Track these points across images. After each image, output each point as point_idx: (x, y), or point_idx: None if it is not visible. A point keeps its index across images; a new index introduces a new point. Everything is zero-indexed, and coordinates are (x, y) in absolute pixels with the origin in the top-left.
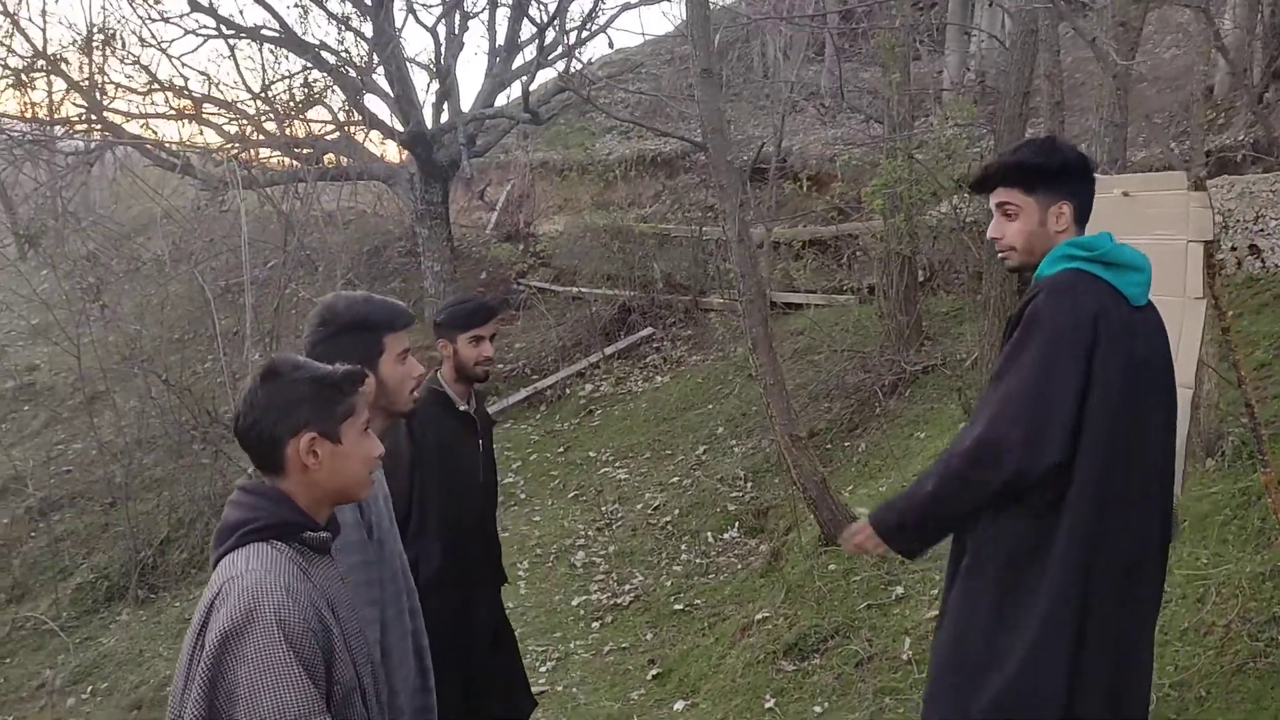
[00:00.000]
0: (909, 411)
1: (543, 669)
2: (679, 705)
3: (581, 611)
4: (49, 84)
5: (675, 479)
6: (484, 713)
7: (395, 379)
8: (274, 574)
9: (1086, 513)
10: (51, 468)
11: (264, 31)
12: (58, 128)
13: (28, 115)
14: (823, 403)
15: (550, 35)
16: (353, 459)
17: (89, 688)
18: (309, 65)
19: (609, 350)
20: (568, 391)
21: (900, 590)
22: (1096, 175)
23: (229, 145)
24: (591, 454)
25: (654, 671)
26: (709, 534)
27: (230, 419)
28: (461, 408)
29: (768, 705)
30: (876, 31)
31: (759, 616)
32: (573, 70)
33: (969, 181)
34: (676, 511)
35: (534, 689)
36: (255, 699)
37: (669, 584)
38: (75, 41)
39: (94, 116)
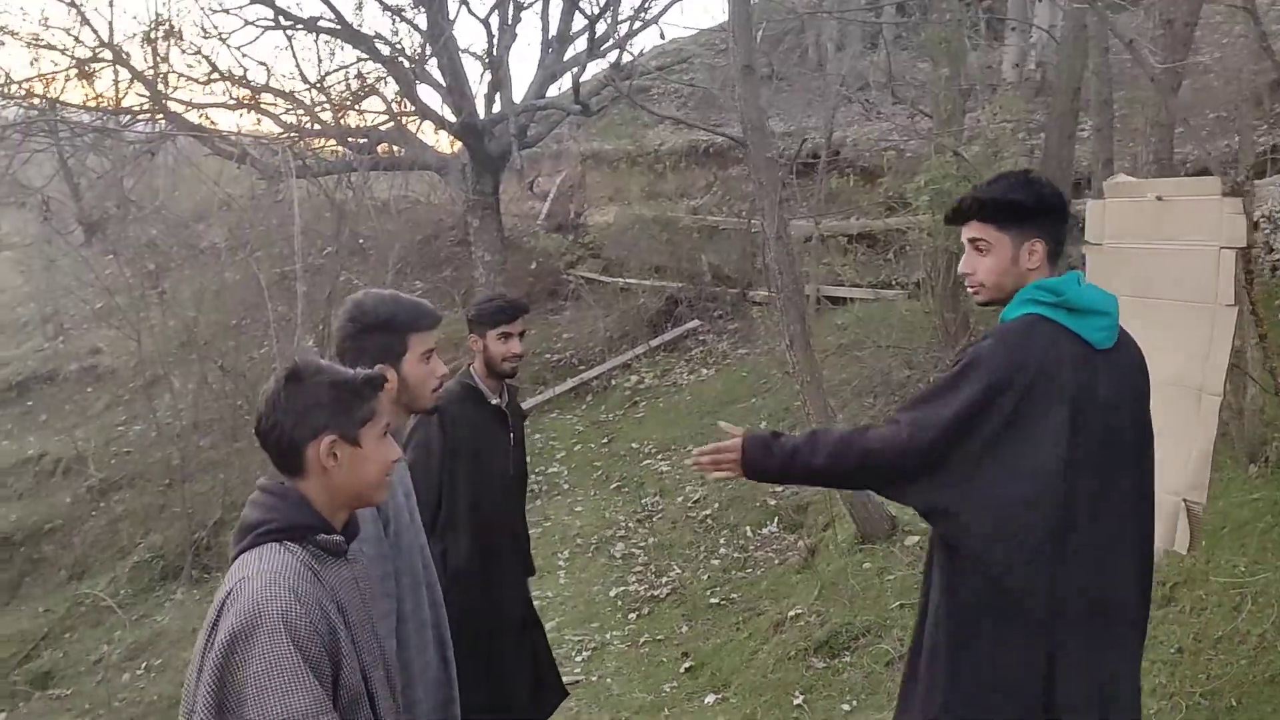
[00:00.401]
0: None
1: (578, 658)
2: (710, 699)
3: (619, 602)
4: (115, 74)
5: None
6: (512, 705)
7: (418, 377)
8: (283, 576)
9: (1031, 568)
10: (112, 449)
11: (320, 23)
12: (122, 117)
13: (93, 105)
14: (866, 399)
15: (602, 27)
16: (371, 463)
17: (144, 664)
18: (364, 56)
19: (655, 342)
20: (613, 382)
21: None
22: (1130, 179)
23: (286, 135)
24: (634, 445)
25: (687, 664)
26: (748, 528)
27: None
28: (493, 401)
29: (796, 701)
30: (926, 24)
31: (792, 613)
32: (623, 62)
33: (945, 214)
34: (716, 505)
35: (569, 678)
36: (263, 701)
37: (706, 577)
38: (138, 35)
39: (156, 106)
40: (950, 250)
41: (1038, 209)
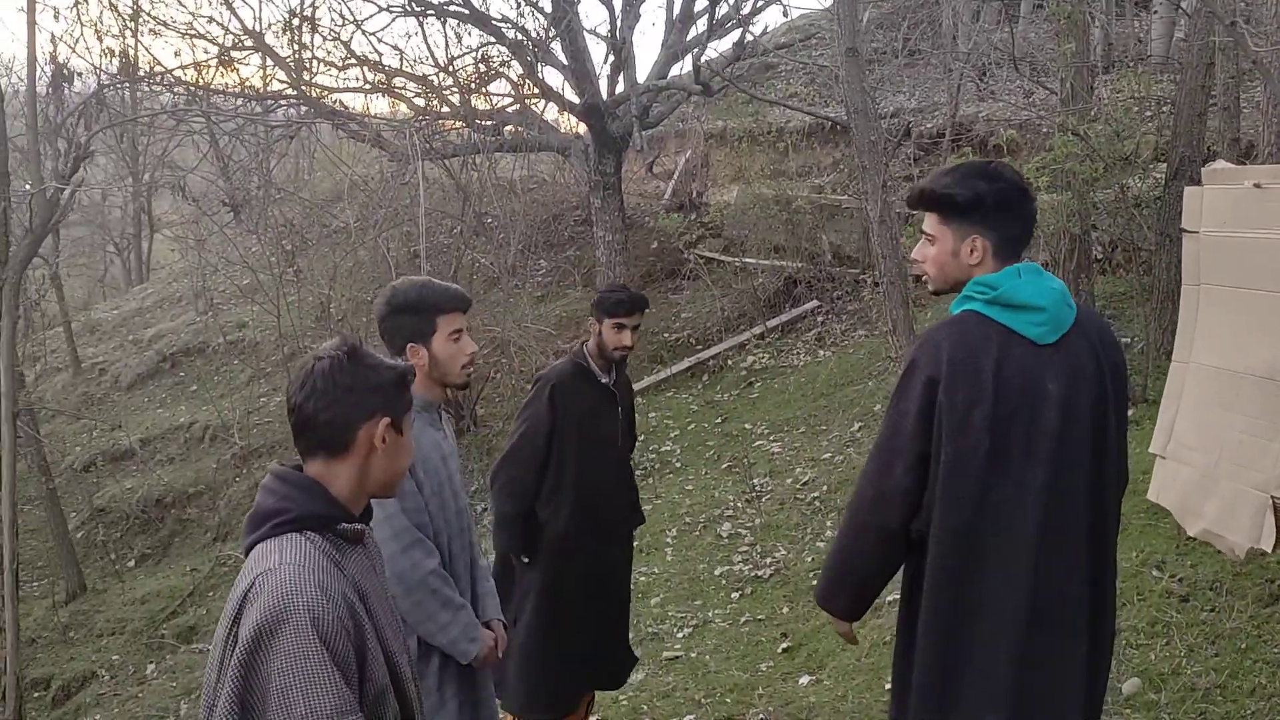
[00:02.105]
0: None
1: (679, 634)
2: (804, 680)
3: (723, 581)
4: (263, 60)
5: (827, 455)
6: (604, 663)
7: (446, 355)
8: (307, 569)
9: (950, 565)
10: (254, 418)
11: (449, 7)
12: (265, 102)
13: (240, 90)
14: None
15: (724, 7)
16: (404, 451)
17: None
18: (489, 40)
19: (772, 322)
20: (729, 363)
21: None
22: (1229, 165)
23: (415, 118)
24: (747, 426)
25: (785, 645)
26: None
27: (296, 396)
28: (602, 380)
29: (888, 686)
30: None
31: (890, 598)
32: (745, 41)
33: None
34: (825, 488)
35: (669, 654)
36: (288, 699)
37: (810, 559)
38: (279, 22)
39: (295, 91)
40: (1072, 232)
41: (975, 206)
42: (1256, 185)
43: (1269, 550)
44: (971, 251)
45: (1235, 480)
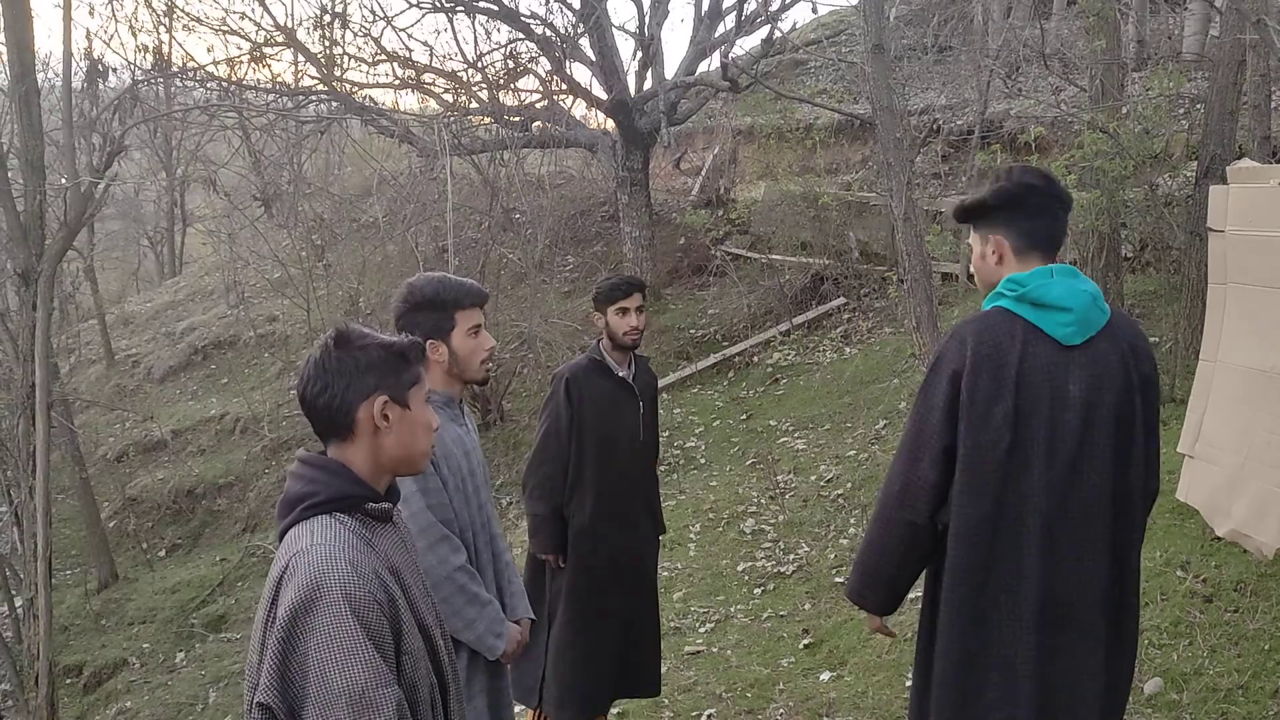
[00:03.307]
0: None
1: (702, 629)
2: (825, 676)
3: (746, 577)
4: (295, 57)
5: (852, 452)
6: (638, 665)
7: (465, 350)
8: (338, 548)
9: (968, 560)
10: (283, 411)
11: (479, 4)
12: (297, 97)
13: (271, 87)
14: None
15: (752, 4)
16: (418, 426)
17: None
18: (518, 36)
19: (798, 320)
20: (755, 359)
21: None
22: (1254, 164)
23: (445, 113)
24: (772, 423)
25: (806, 641)
26: None
27: (298, 387)
28: (620, 373)
29: (908, 683)
30: None
31: (911, 596)
32: (774, 37)
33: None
34: (849, 485)
35: (691, 649)
36: (325, 673)
37: (832, 556)
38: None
39: (326, 87)
40: (1101, 231)
41: (984, 207)
42: (1279, 184)
43: None
44: (993, 252)
45: (1264, 480)
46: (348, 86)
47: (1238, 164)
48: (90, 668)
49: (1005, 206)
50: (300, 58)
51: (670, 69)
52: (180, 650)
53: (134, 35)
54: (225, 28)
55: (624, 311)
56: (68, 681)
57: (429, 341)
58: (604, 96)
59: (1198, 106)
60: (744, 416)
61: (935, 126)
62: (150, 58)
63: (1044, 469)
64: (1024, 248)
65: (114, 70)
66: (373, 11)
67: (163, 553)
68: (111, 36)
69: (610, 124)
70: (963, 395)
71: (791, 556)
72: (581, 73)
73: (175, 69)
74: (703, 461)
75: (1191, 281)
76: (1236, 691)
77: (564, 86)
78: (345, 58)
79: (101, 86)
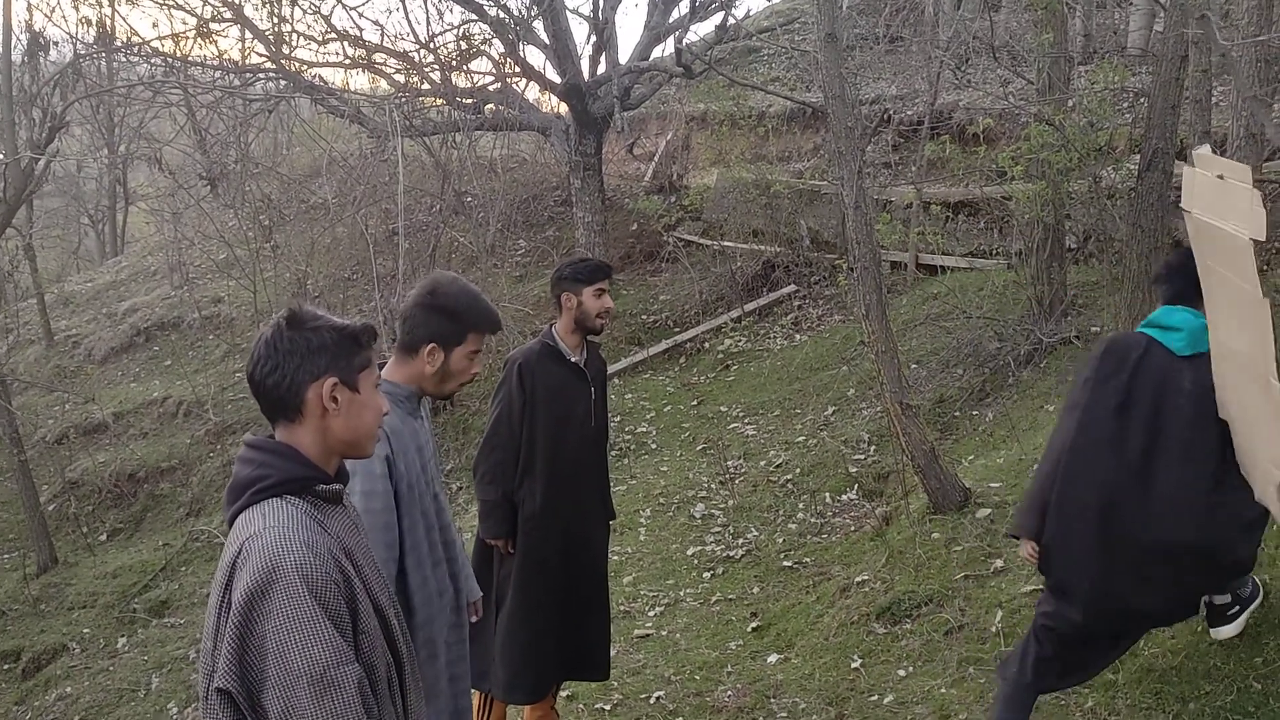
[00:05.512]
0: (1042, 383)
1: (651, 613)
2: (772, 658)
3: (695, 561)
4: (242, 33)
5: (801, 438)
6: (586, 648)
7: (458, 369)
8: (292, 529)
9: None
10: (228, 394)
11: None
12: (246, 74)
13: (218, 63)
14: (954, 369)
15: None
16: (367, 409)
17: None
18: (471, 17)
19: (749, 306)
20: (706, 345)
21: (1000, 563)
22: (1209, 153)
23: (397, 94)
24: (723, 409)
25: (755, 624)
26: (827, 495)
27: (248, 367)
28: (572, 359)
29: (854, 665)
30: None
31: (859, 579)
32: (728, 24)
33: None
34: (798, 470)
35: (641, 631)
36: (285, 655)
37: (781, 540)
38: None
39: (274, 65)
40: (1045, 222)
41: (1158, 279)
42: (1220, 177)
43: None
44: (1153, 300)
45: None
46: (296, 65)
47: (1199, 149)
48: (29, 653)
49: (1173, 273)
50: (248, 34)
51: (624, 54)
52: (122, 635)
53: (76, 8)
54: (170, 2)
55: (601, 293)
56: (5, 667)
57: (428, 346)
58: (558, 80)
59: (1141, 100)
60: (695, 402)
61: (886, 116)
62: (93, 31)
63: (1147, 421)
64: (1177, 297)
65: (55, 44)
66: None
67: (104, 537)
68: (53, 9)
69: (563, 108)
70: (1096, 370)
71: (741, 541)
72: (535, 56)
73: (119, 43)
74: (654, 447)
75: (1133, 273)
76: (1171, 672)
77: (517, 69)
78: (294, 35)
79: (43, 60)
